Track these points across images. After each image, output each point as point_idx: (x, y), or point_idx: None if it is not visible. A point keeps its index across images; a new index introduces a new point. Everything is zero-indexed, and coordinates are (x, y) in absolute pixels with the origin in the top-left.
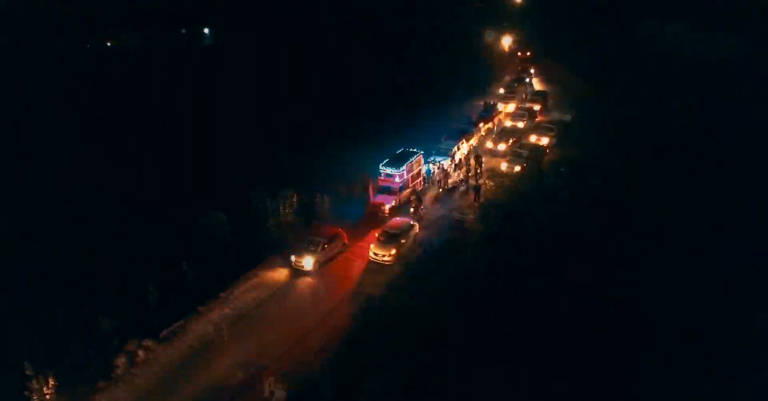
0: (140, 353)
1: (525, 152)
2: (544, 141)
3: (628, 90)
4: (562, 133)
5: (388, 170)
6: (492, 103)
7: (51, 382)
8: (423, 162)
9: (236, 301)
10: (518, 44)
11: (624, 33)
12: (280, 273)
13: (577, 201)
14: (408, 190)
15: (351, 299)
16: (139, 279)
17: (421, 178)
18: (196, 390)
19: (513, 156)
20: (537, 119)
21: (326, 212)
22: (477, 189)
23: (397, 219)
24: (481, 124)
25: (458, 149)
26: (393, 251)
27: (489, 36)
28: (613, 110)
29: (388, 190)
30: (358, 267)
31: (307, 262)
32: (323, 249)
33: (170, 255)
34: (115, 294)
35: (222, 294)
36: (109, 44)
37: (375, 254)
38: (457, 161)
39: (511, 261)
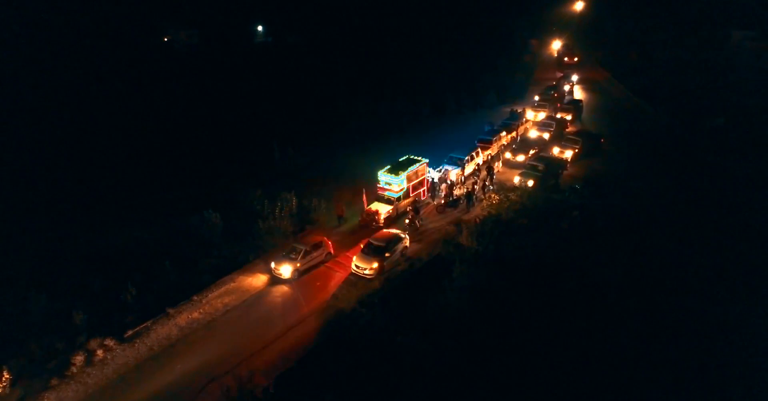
0: (99, 352)
1: (541, 165)
2: (568, 154)
3: (676, 103)
4: (589, 146)
5: (387, 178)
6: (519, 110)
7: (5, 376)
8: (428, 171)
9: (207, 306)
10: (566, 49)
11: (680, 41)
12: (259, 280)
13: (589, 221)
14: (408, 200)
15: (321, 313)
16: (124, 275)
17: (425, 188)
18: (143, 396)
19: (528, 169)
20: (567, 130)
21: (322, 218)
22: (468, 197)
23: (385, 231)
24: (503, 133)
25: (471, 159)
26: (375, 264)
27: (536, 40)
28: (654, 124)
29: (384, 199)
30: (338, 278)
31: (285, 270)
32: (304, 257)
33: (160, 252)
34: (97, 289)
35: (195, 297)
36: (166, 39)
37: (356, 266)
38: (467, 172)
39: (501, 284)
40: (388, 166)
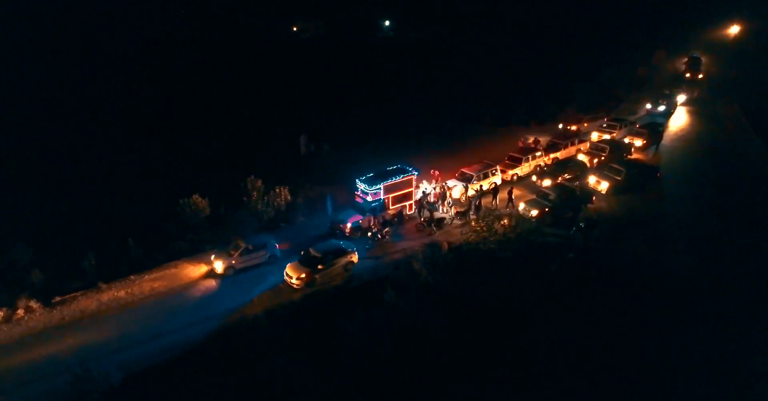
0: (21, 311)
1: (553, 194)
2: (603, 185)
3: None
4: (636, 179)
5: (363, 187)
6: (574, 128)
7: None
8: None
9: (136, 287)
10: (692, 64)
11: None
12: (199, 270)
13: (586, 268)
14: (390, 212)
15: (227, 315)
16: (97, 243)
17: (413, 202)
18: (16, 363)
19: (538, 196)
20: (631, 157)
21: (301, 218)
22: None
23: (334, 242)
24: (540, 152)
25: (485, 177)
26: (303, 275)
27: (664, 51)
28: (753, 161)
29: (358, 208)
30: (271, 282)
31: (218, 265)
32: (241, 255)
33: (143, 227)
34: (68, 252)
35: (132, 277)
36: (294, 29)
37: (286, 274)
38: (470, 192)
39: (437, 323)
40: (371, 174)
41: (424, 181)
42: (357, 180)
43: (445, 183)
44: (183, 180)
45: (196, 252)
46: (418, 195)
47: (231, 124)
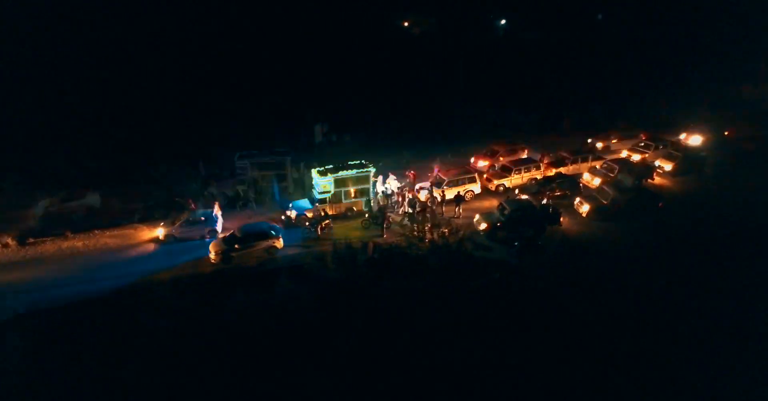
0: None
1: (508, 209)
2: (585, 208)
3: None
4: (625, 205)
5: (316, 178)
6: (597, 144)
7: None
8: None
9: (93, 241)
10: None
11: None
12: (152, 234)
13: (510, 291)
14: (337, 205)
15: (141, 276)
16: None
17: (368, 199)
18: None
19: (498, 209)
20: (652, 181)
21: (268, 200)
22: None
23: (261, 225)
24: (540, 164)
25: (457, 184)
26: (220, 252)
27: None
28: None
29: (311, 198)
30: (198, 255)
31: (160, 232)
32: (182, 226)
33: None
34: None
35: (95, 231)
36: (406, 24)
37: (209, 249)
38: (431, 196)
39: (317, 325)
40: (330, 166)
41: (388, 180)
42: (312, 171)
43: (412, 185)
44: (188, 153)
45: (165, 218)
46: (377, 193)
47: (261, 105)
